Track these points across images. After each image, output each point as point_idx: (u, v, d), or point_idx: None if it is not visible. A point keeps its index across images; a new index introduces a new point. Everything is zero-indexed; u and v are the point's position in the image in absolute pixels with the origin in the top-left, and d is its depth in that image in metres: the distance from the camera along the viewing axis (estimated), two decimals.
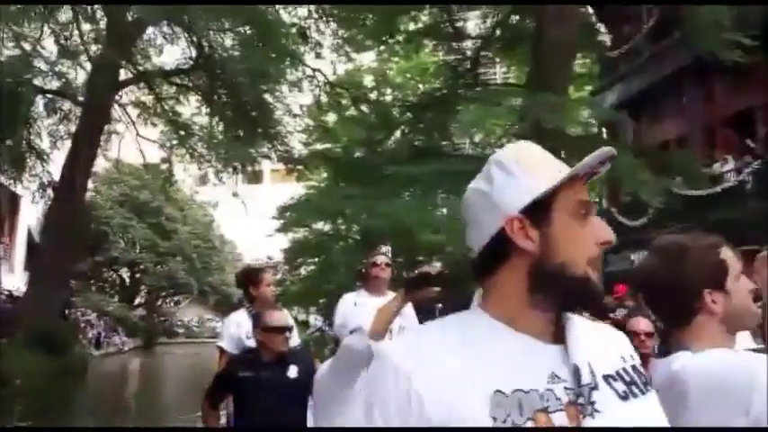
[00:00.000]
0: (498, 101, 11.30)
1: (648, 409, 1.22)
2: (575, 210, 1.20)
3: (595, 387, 1.16)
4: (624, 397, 1.19)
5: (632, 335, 4.69)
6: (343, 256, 17.23)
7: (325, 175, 19.24)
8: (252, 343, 4.63)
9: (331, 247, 18.97)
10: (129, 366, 26.39)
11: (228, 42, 17.25)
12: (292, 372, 4.04)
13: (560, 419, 1.12)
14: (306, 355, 4.44)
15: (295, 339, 4.96)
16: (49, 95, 17.99)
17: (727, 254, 1.90)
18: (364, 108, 18.23)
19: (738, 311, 1.82)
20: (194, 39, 16.41)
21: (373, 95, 19.93)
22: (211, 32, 16.27)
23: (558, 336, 1.21)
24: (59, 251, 17.49)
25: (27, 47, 16.13)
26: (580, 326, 1.25)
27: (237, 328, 5.17)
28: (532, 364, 1.16)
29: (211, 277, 40.12)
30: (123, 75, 17.73)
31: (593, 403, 1.14)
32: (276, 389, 3.99)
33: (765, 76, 11.10)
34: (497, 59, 17.40)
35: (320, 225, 19.69)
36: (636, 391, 1.21)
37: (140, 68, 17.71)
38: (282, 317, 4.17)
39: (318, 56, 19.21)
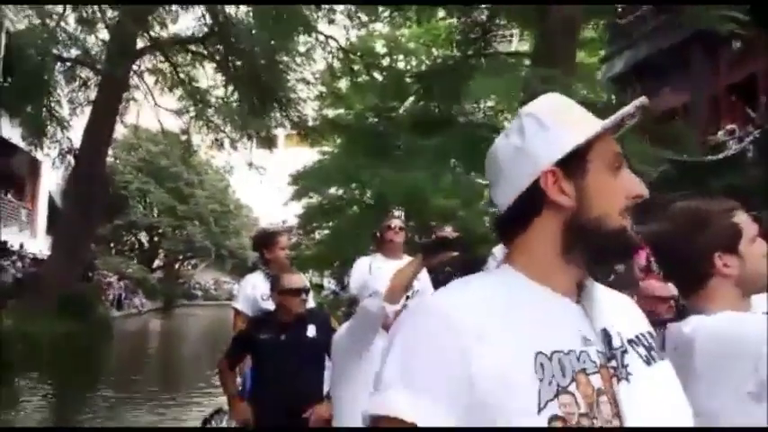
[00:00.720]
0: (506, 71, 11.48)
1: (668, 374, 1.22)
2: (609, 162, 1.19)
3: (626, 350, 1.17)
4: (647, 362, 1.19)
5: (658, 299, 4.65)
6: (357, 220, 17.52)
7: (339, 141, 19.52)
8: (267, 305, 4.70)
9: (345, 212, 19.31)
10: (149, 327, 27.17)
11: (243, 9, 17.43)
12: (311, 331, 4.08)
13: (597, 381, 1.11)
14: (323, 315, 4.46)
15: (310, 302, 4.93)
16: (69, 63, 18.33)
17: (741, 218, 1.90)
18: (377, 75, 18.42)
19: (752, 275, 1.82)
20: (209, 7, 16.59)
21: (386, 62, 20.04)
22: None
23: (579, 294, 1.20)
24: (81, 216, 18.01)
25: (47, 18, 16.42)
26: (599, 288, 1.23)
27: (253, 290, 5.19)
28: (565, 324, 1.15)
29: (228, 241, 40.78)
30: (140, 43, 18.00)
31: (626, 366, 1.15)
32: (296, 349, 4.02)
33: (766, 44, 11.30)
34: (510, 27, 17.48)
35: (334, 190, 19.99)
36: (654, 356, 1.22)
37: (156, 36, 17.95)
38: (300, 279, 4.19)
39: (332, 22, 19.31)
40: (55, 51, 16.52)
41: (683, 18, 10.25)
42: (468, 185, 13.51)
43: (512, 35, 19.54)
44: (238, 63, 16.72)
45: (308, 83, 18.19)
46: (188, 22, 19.01)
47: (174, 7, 17.51)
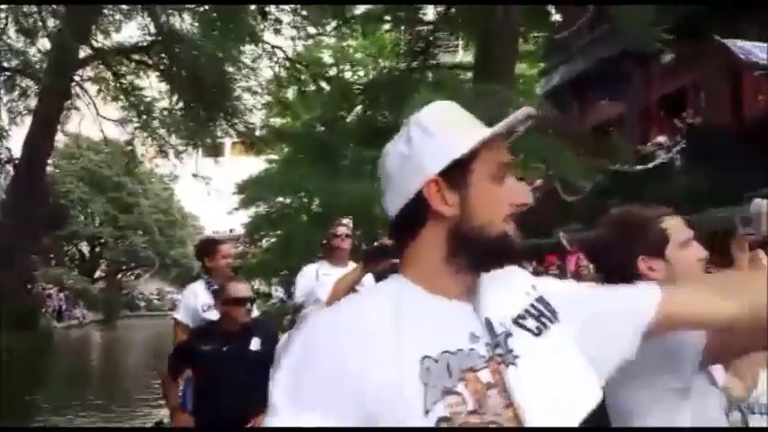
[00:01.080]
0: (449, 84, 11.83)
1: (561, 336, 1.21)
2: (493, 171, 1.19)
3: (510, 334, 1.17)
4: (538, 333, 1.19)
5: None
6: (305, 228, 17.60)
7: (285, 150, 19.61)
8: (208, 315, 4.58)
9: (293, 221, 19.39)
10: (91, 339, 26.61)
11: (188, 19, 17.39)
12: (255, 344, 4.00)
13: (486, 376, 1.13)
14: (269, 327, 4.40)
15: (253, 311, 4.87)
16: (8, 73, 17.96)
17: (670, 223, 1.93)
18: (324, 84, 18.62)
19: (681, 279, 1.83)
20: (152, 16, 16.51)
21: (333, 72, 20.26)
22: (170, 9, 16.39)
23: (471, 295, 1.22)
24: (20, 226, 17.63)
25: None
26: (487, 280, 1.24)
27: (194, 300, 5.04)
28: (455, 326, 1.16)
29: (173, 250, 40.17)
30: (82, 53, 17.76)
31: (511, 351, 1.15)
32: (239, 360, 3.93)
33: (693, 60, 12.00)
34: (455, 38, 17.93)
35: (281, 198, 20.05)
36: (546, 322, 1.22)
37: (99, 46, 17.75)
38: (245, 288, 4.11)
39: (278, 32, 19.45)
40: None
41: (612, 37, 10.78)
42: None
43: (457, 45, 20.04)
44: (183, 73, 16.66)
45: (254, 92, 18.26)
46: (131, 31, 18.73)
47: (117, 16, 17.36)
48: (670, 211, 1.98)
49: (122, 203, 36.27)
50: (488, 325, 1.17)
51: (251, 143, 18.54)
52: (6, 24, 16.62)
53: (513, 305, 1.22)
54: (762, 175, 8.23)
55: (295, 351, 1.13)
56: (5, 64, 17.28)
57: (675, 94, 13.69)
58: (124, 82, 18.77)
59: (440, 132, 1.20)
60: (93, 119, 19.69)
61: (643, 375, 1.83)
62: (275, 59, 18.79)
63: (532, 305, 1.23)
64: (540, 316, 1.22)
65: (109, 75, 18.83)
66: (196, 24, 17.17)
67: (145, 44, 17.78)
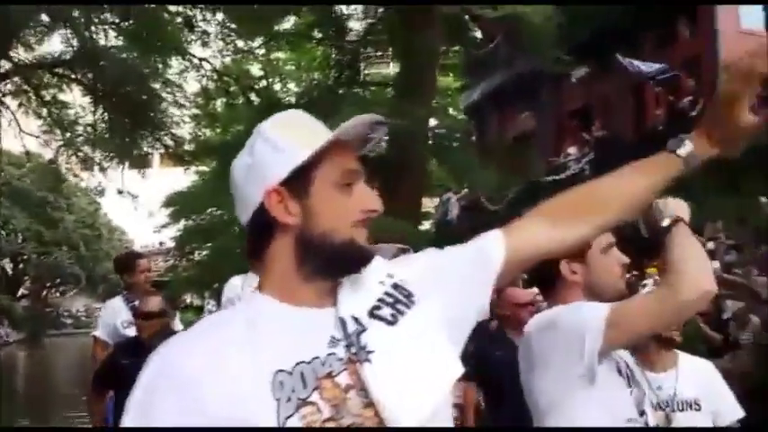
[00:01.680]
0: (373, 101, 12.24)
1: (417, 321, 1.20)
2: (336, 179, 1.17)
3: (363, 329, 1.16)
4: (392, 321, 1.18)
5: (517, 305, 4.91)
6: (237, 240, 17.68)
7: (214, 163, 19.64)
8: (129, 332, 4.51)
9: (223, 233, 19.42)
10: (16, 358, 25.83)
11: (112, 33, 17.23)
12: None
13: (344, 379, 1.11)
14: None
15: (177, 325, 4.88)
16: None
17: None
18: (253, 96, 18.74)
19: (598, 282, 1.91)
20: (75, 30, 16.33)
21: (262, 84, 20.38)
22: (94, 21, 16.23)
23: (334, 300, 1.20)
24: None
25: None
26: (346, 281, 1.22)
27: (113, 317, 4.96)
28: (313, 334, 1.14)
29: (99, 266, 39.20)
30: (2, 67, 17.37)
31: (364, 347, 1.13)
32: None
33: (599, 77, 12.86)
34: (383, 55, 18.39)
35: (211, 210, 20.03)
36: (402, 308, 1.21)
37: (20, 59, 17.40)
38: (156, 302, 4.06)
39: (206, 44, 19.44)
40: None
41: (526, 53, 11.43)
42: None
43: (388, 59, 20.48)
44: (107, 87, 16.54)
45: (181, 105, 18.23)
46: (54, 45, 18.41)
47: (39, 29, 17.06)
48: None
49: (46, 219, 35.28)
50: (342, 324, 1.16)
51: (179, 156, 18.49)
52: None
53: (369, 296, 1.21)
54: None
55: (147, 377, 1.11)
56: None
57: (584, 109, 14.58)
58: (46, 95, 18.43)
59: (281, 142, 1.19)
60: (15, 134, 19.25)
61: (552, 368, 1.91)
62: (202, 72, 18.79)
63: (387, 293, 1.23)
64: (396, 303, 1.21)
65: (30, 89, 18.45)
66: (120, 39, 17.05)
67: (67, 57, 17.53)
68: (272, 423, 1.05)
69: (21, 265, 37.74)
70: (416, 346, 1.17)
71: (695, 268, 1.76)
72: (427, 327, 1.21)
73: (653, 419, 2.00)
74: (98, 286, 40.77)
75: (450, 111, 20.05)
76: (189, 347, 1.13)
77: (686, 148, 1.40)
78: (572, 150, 12.51)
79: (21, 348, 29.15)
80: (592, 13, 11.22)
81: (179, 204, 19.62)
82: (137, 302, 4.33)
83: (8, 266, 37.81)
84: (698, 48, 12.22)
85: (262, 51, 21.53)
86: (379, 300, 1.21)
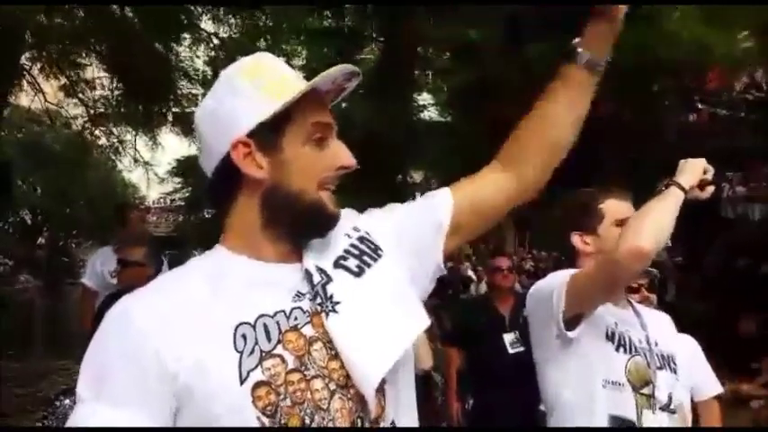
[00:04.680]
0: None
1: (383, 273, 1.21)
2: (309, 133, 1.13)
3: (329, 280, 1.16)
4: (358, 272, 1.19)
5: (497, 270, 5.27)
6: None
7: None
8: (116, 281, 4.52)
9: None
10: (36, 304, 27.49)
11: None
12: None
13: (309, 331, 1.12)
14: None
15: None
16: None
17: (609, 203, 2.05)
18: None
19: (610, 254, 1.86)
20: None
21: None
22: None
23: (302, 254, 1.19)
24: None
25: None
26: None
27: (102, 265, 4.97)
28: (277, 288, 1.14)
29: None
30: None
31: (330, 297, 1.13)
32: None
33: None
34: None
35: None
36: (368, 260, 1.22)
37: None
38: (136, 252, 3.99)
39: (216, 19, 20.27)
40: None
41: None
42: None
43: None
44: (120, 58, 17.56)
45: (191, 78, 19.36)
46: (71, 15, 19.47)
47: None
48: (614, 194, 2.08)
49: (65, 173, 36.72)
50: (308, 276, 1.14)
51: (189, 127, 19.68)
52: None
53: (335, 247, 1.20)
54: None
55: (99, 342, 1.06)
56: None
57: None
58: (64, 62, 19.52)
59: (249, 89, 1.12)
60: (35, 92, 20.45)
61: (534, 330, 2.01)
62: (211, 46, 19.86)
63: (353, 245, 1.22)
64: (362, 255, 1.20)
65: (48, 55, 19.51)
66: (130, 11, 17.99)
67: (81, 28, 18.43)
68: (235, 377, 1.04)
69: (39, 217, 39.45)
70: (382, 298, 1.16)
71: (636, 228, 1.74)
72: (393, 279, 1.21)
73: (662, 388, 1.97)
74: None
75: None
76: (148, 301, 1.09)
77: (583, 56, 1.41)
78: None
79: (40, 295, 30.84)
80: None
81: (187, 168, 20.94)
82: None
83: (27, 218, 39.54)
84: None
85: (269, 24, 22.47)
86: (345, 251, 1.20)
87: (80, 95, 18.97)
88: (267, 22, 20.00)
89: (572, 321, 1.88)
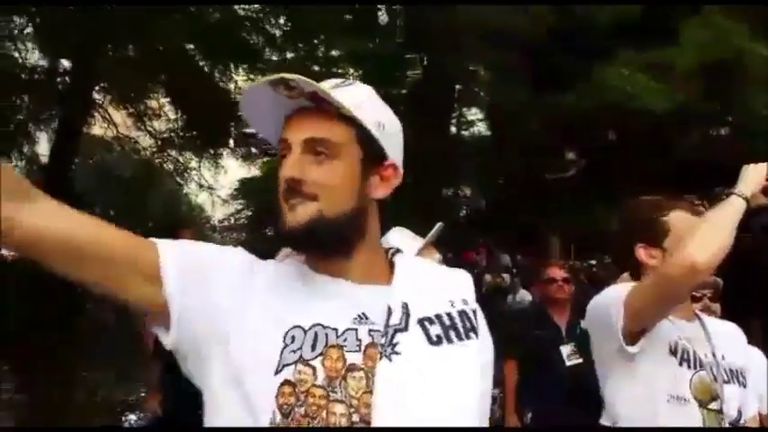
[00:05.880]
0: None
1: (458, 355, 1.17)
2: (279, 151, 1.21)
3: (404, 329, 1.15)
4: (436, 342, 1.16)
5: (551, 281, 5.05)
6: None
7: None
8: None
9: None
10: (109, 322, 28.75)
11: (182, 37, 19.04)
12: None
13: (354, 358, 1.13)
14: None
15: None
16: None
17: (675, 216, 1.97)
18: None
19: None
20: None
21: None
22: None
23: (383, 277, 1.23)
24: None
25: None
26: (410, 265, 1.25)
27: None
28: (340, 305, 1.17)
29: None
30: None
31: (394, 345, 1.13)
32: None
33: None
34: None
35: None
36: (452, 336, 1.18)
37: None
38: None
39: (272, 48, 20.67)
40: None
41: None
42: None
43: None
44: (182, 89, 18.35)
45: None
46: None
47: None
48: (681, 205, 2.02)
49: (134, 196, 38.32)
50: (388, 312, 1.16)
51: (248, 154, 20.60)
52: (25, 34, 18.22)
53: (429, 305, 1.20)
54: None
55: (214, 247, 1.23)
56: (25, 76, 18.77)
57: None
58: (131, 94, 20.62)
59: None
60: (107, 122, 21.67)
61: (595, 343, 1.99)
62: (267, 71, 20.65)
63: (449, 314, 1.20)
64: (450, 328, 1.19)
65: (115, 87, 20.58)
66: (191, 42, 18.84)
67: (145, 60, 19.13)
68: (273, 364, 1.10)
69: None
70: (441, 378, 1.14)
71: (691, 242, 1.70)
72: (465, 367, 1.17)
73: (729, 401, 1.91)
74: None
75: None
76: (260, 261, 1.25)
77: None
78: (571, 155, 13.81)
79: (114, 313, 32.12)
80: None
81: (248, 189, 21.84)
82: None
83: None
84: None
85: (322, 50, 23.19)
86: (437, 315, 1.18)
87: (147, 125, 19.87)
88: (321, 48, 21.18)
89: (634, 336, 1.85)
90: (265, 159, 22.84)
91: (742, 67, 10.01)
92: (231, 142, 19.70)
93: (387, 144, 1.23)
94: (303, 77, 1.13)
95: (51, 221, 1.11)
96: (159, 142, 20.06)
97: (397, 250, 1.31)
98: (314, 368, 1.10)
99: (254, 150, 20.47)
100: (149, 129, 20.08)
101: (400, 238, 1.46)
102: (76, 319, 18.19)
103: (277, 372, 1.10)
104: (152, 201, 40.15)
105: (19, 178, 1.12)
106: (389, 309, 1.15)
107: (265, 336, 1.12)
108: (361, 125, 1.20)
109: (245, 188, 20.94)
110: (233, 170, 22.56)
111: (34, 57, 19.02)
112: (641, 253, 1.97)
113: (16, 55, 17.87)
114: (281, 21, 20.29)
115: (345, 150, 1.19)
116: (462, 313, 1.21)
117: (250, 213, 24.53)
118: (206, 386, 1.16)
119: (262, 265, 1.24)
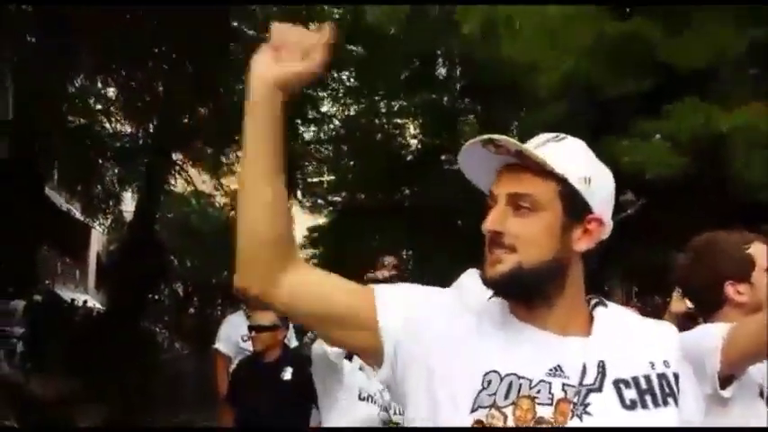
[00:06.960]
0: None
1: (652, 422, 1.14)
2: (488, 202, 1.24)
3: (598, 389, 1.14)
4: (630, 406, 1.14)
5: None
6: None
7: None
8: (249, 345, 4.63)
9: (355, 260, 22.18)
10: (187, 370, 30.01)
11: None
12: (287, 374, 4.01)
13: (545, 412, 1.12)
14: (302, 356, 4.22)
15: (292, 341, 4.90)
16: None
17: (756, 248, 1.94)
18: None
19: (762, 303, 1.81)
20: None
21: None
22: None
23: (577, 331, 1.21)
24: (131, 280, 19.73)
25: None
26: (612, 320, 1.23)
27: (233, 331, 5.09)
28: (536, 355, 1.17)
29: None
30: None
31: (586, 405, 1.11)
32: (269, 390, 3.97)
33: None
34: None
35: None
36: (648, 401, 1.15)
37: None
38: (266, 317, 4.03)
39: (335, 100, 21.74)
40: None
41: None
42: None
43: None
44: None
45: (320, 160, 21.21)
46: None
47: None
48: (756, 237, 1.98)
49: (211, 248, 40.02)
50: (583, 370, 1.15)
51: (315, 204, 21.61)
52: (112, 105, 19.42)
53: (628, 366, 1.18)
54: None
55: (422, 289, 1.29)
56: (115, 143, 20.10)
57: None
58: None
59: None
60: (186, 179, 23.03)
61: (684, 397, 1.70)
62: (332, 126, 21.75)
63: (646, 377, 1.18)
64: (647, 392, 1.16)
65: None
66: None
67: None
68: (468, 398, 1.14)
69: (189, 289, 43.03)
70: None
71: None
72: None
73: None
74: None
75: None
76: (464, 297, 1.27)
77: None
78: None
79: (193, 360, 33.44)
80: None
81: (316, 237, 22.86)
82: None
83: (180, 290, 43.25)
84: None
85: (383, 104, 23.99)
86: (634, 378, 1.17)
87: (221, 180, 21.01)
88: (381, 102, 22.17)
89: (725, 380, 1.78)
90: (330, 209, 23.86)
91: None
92: (299, 193, 20.66)
93: (591, 198, 1.23)
94: (508, 138, 1.19)
95: (303, 288, 1.28)
96: (231, 198, 21.00)
97: (600, 301, 1.31)
98: (505, 416, 1.12)
99: (320, 201, 21.49)
100: (223, 185, 21.11)
101: (473, 281, 1.49)
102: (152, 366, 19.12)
103: (472, 410, 1.13)
104: (227, 250, 41.82)
105: (293, 239, 1.32)
106: (584, 366, 1.16)
107: (468, 375, 1.16)
108: (565, 180, 1.21)
109: (313, 236, 22.02)
110: (301, 220, 23.57)
111: (120, 125, 20.31)
112: (730, 290, 1.93)
113: (107, 126, 19.18)
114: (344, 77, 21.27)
115: (547, 204, 1.21)
116: (662, 377, 1.19)
117: (316, 261, 25.44)
118: (405, 416, 1.25)
119: (467, 305, 1.27)
